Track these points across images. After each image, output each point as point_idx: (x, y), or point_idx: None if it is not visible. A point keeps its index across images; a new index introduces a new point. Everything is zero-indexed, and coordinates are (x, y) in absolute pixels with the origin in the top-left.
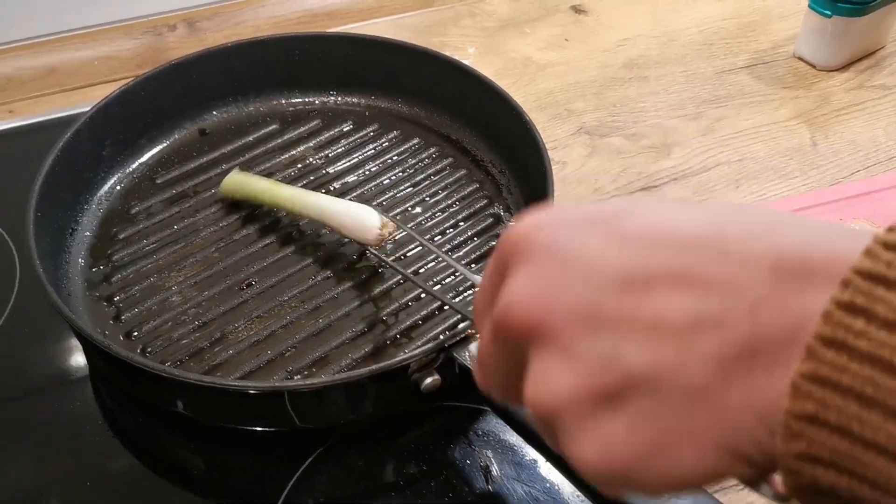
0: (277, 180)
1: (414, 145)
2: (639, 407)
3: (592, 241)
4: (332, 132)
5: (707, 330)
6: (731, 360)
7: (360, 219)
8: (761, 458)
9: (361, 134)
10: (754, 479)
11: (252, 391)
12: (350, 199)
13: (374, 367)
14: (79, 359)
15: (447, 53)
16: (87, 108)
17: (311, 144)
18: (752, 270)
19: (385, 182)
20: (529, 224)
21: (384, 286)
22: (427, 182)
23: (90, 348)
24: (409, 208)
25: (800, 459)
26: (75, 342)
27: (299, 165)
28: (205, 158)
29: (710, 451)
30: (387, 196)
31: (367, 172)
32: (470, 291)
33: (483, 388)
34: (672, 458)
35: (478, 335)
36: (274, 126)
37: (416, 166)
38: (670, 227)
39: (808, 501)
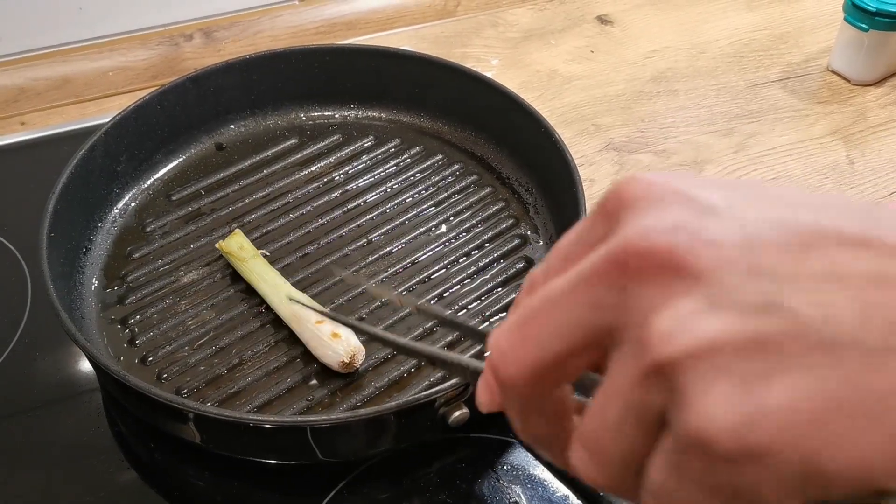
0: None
1: (437, 162)
2: (803, 364)
3: (737, 197)
4: (352, 147)
5: (891, 288)
6: None
7: (324, 349)
8: None
9: (383, 150)
10: None
11: (272, 426)
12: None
13: (400, 401)
14: (91, 383)
15: (469, 66)
16: (101, 121)
17: (331, 160)
18: None
19: (407, 200)
20: (652, 175)
21: (405, 312)
22: (451, 200)
23: (104, 376)
24: (433, 228)
25: None
26: (88, 366)
27: (319, 183)
28: (222, 174)
29: (885, 437)
30: (409, 215)
31: (388, 190)
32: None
33: (517, 383)
34: (834, 437)
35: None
36: (293, 141)
37: (440, 184)
38: (824, 197)
39: None
